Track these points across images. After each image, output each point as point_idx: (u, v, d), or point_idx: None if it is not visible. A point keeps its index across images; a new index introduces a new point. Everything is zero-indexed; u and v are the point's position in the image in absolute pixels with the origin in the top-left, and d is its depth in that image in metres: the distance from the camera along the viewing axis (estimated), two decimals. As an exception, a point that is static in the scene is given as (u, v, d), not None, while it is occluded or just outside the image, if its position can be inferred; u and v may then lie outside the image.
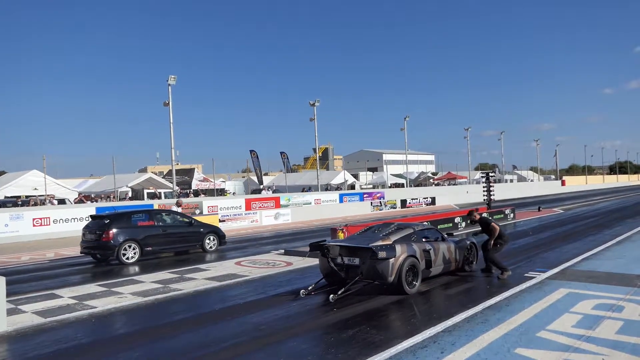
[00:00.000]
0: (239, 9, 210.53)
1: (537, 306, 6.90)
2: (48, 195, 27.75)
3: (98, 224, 13.36)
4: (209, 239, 15.16)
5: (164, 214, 15.03)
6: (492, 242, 9.49)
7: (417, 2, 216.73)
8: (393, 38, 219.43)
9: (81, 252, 13.80)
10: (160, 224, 14.17)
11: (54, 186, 30.39)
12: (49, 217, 21.31)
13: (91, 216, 14.80)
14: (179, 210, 17.47)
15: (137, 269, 12.25)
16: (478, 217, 10.06)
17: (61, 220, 21.62)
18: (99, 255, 13.52)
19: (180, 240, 14.49)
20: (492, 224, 9.61)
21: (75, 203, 28.92)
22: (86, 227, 13.80)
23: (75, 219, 21.86)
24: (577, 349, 5.11)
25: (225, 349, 5.65)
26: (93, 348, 5.94)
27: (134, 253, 13.21)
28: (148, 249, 13.59)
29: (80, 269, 12.83)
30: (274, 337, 6.07)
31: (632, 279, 8.43)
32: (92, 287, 9.66)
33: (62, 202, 27.86)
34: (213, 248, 15.18)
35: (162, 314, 7.59)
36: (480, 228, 10.00)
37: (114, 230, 13.00)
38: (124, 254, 13.02)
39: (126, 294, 8.85)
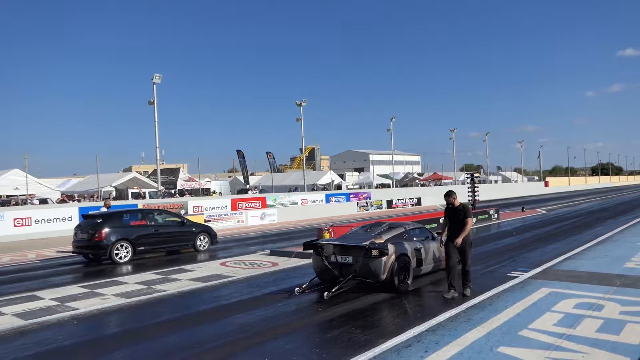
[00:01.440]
0: (227, 8, 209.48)
1: (520, 305, 6.98)
2: (29, 195, 27.25)
3: (90, 223, 13.17)
4: (201, 238, 15.09)
5: (156, 213, 14.92)
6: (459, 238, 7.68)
7: (404, 4, 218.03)
8: (381, 39, 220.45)
9: (73, 252, 13.61)
10: (153, 223, 14.06)
11: (36, 185, 29.82)
12: (30, 217, 20.91)
13: (83, 215, 14.62)
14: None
15: (122, 269, 12.09)
16: (458, 203, 8.00)
17: (43, 221, 21.22)
18: (91, 254, 13.33)
19: (172, 240, 14.41)
20: (470, 219, 7.81)
21: (57, 203, 28.47)
22: (78, 227, 13.60)
23: (58, 219, 21.49)
24: (558, 347, 5.19)
25: (209, 350, 5.61)
26: (75, 350, 5.85)
27: (127, 253, 13.06)
28: (140, 248, 13.46)
29: (62, 270, 12.61)
30: (259, 337, 6.05)
31: (612, 278, 8.58)
32: (74, 289, 9.51)
33: (44, 201, 27.38)
34: (205, 247, 15.12)
35: (146, 315, 7.52)
36: (444, 216, 8.14)
37: (107, 229, 12.83)
38: (117, 254, 12.86)
39: (109, 295, 8.73)
